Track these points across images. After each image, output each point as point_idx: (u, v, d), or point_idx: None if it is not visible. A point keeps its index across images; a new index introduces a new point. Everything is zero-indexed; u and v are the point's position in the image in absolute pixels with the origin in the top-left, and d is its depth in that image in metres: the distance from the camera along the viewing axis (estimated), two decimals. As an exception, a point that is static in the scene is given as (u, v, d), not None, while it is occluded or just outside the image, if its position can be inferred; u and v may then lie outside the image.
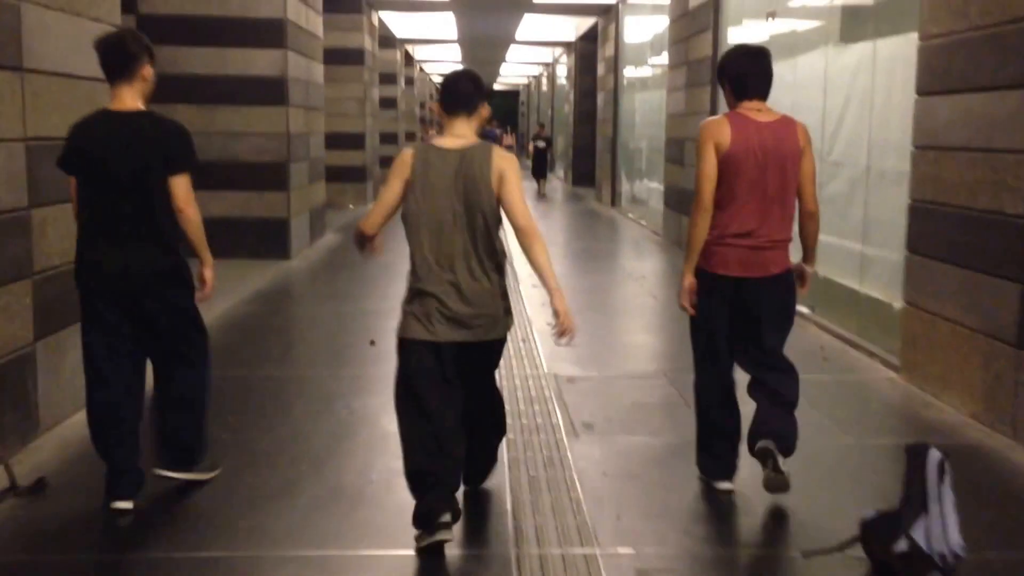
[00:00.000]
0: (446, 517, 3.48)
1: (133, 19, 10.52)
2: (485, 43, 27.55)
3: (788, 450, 3.97)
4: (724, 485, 4.15)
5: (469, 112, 3.71)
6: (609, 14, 19.00)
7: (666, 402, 5.57)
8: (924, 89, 5.90)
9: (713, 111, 11.18)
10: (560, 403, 5.49)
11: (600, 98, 20.66)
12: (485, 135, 13.18)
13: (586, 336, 7.41)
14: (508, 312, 3.79)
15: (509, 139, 25.13)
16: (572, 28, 25.03)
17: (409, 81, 31.22)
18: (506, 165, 3.61)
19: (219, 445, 4.58)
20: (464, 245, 3.59)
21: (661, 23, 14.74)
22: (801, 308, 8.17)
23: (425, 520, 3.50)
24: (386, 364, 6.43)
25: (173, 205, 3.86)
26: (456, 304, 3.58)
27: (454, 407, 3.67)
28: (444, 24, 23.84)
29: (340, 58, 17.72)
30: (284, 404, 5.49)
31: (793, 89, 8.64)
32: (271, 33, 10.66)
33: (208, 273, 4.13)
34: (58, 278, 4.92)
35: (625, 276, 10.88)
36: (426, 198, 3.58)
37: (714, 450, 4.20)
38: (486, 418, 3.94)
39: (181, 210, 3.91)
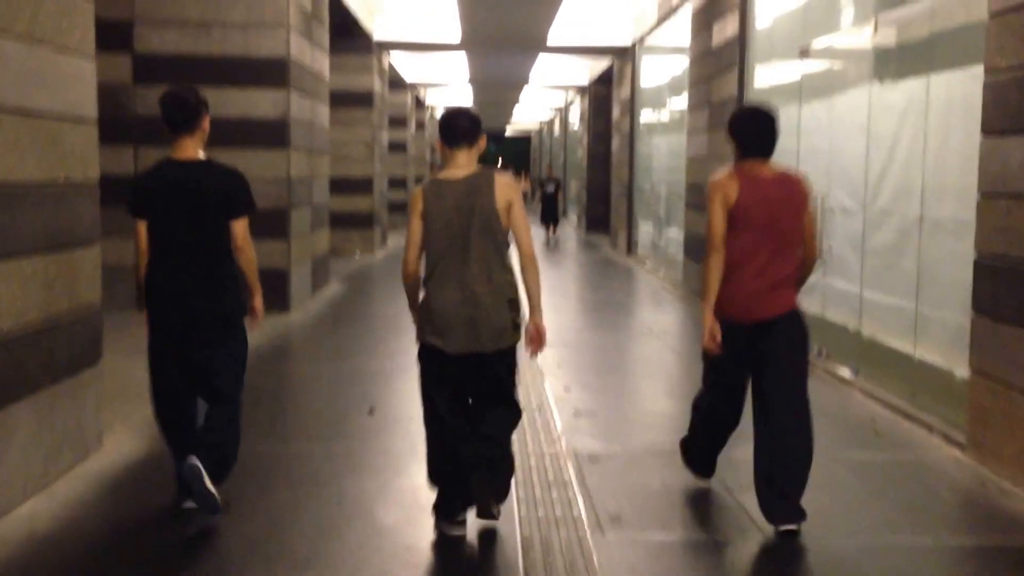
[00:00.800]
0: (462, 517, 4.05)
1: (128, 58, 10.02)
2: (497, 86, 27.16)
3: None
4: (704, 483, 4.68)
5: (470, 144, 4.06)
6: (625, 55, 18.51)
7: (700, 486, 4.84)
8: (992, 128, 5.23)
9: (739, 155, 10.55)
10: (582, 489, 4.77)
11: (615, 141, 20.11)
12: None
13: (606, 403, 6.75)
14: (516, 327, 4.11)
15: (525, 184, 23.86)
16: (586, 71, 24.63)
17: (419, 125, 30.83)
18: (511, 192, 4.01)
19: (184, 542, 4.08)
20: (475, 264, 3.93)
21: (680, 63, 14.19)
22: (843, 371, 7.46)
23: (446, 512, 4.05)
24: (386, 437, 5.76)
25: (233, 244, 4.27)
26: (466, 318, 3.94)
27: (462, 410, 4.07)
28: (455, 67, 23.46)
29: (348, 100, 17.24)
30: (267, 487, 4.78)
31: (830, 131, 8.00)
32: (273, 73, 10.11)
33: (258, 302, 4.56)
34: (7, 345, 4.27)
35: (644, 332, 10.18)
36: (440, 225, 3.95)
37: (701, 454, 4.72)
38: (497, 412, 4.11)
39: (241, 249, 4.32)
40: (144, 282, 4.29)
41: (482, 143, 4.11)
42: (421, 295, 4.13)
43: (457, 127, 4.04)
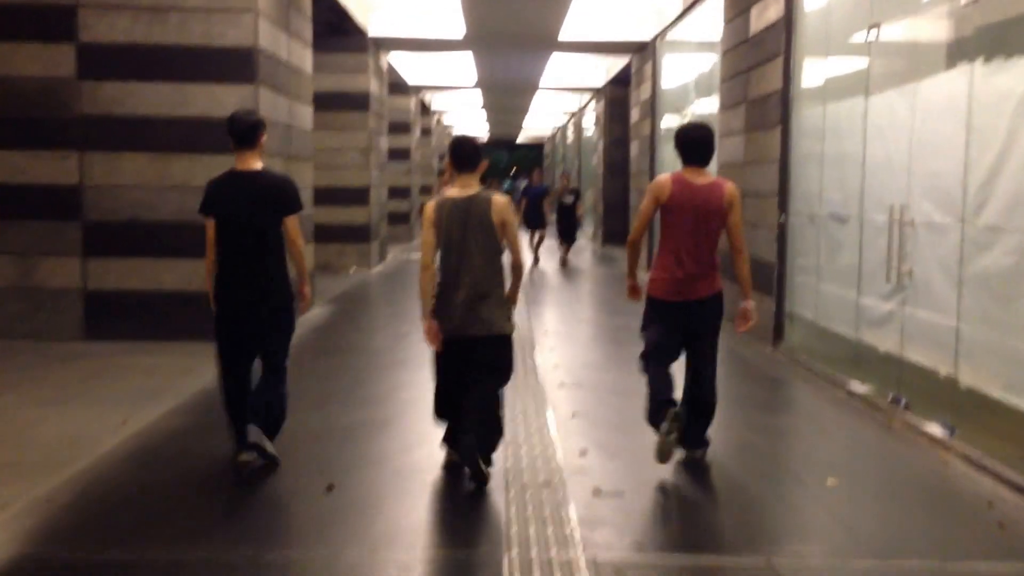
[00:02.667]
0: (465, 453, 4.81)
1: (72, 49, 8.60)
2: (507, 90, 25.69)
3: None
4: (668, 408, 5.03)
5: (473, 169, 4.96)
6: (644, 52, 17.01)
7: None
8: None
9: (785, 157, 9.05)
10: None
11: (634, 147, 18.60)
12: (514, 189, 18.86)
13: (634, 477, 5.11)
14: (509, 319, 4.99)
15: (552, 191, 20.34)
16: (601, 71, 23.14)
17: (425, 131, 29.39)
18: (504, 211, 4.87)
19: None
20: (474, 268, 4.85)
21: (709, 57, 12.68)
22: (932, 427, 5.94)
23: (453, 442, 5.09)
24: (340, 530, 4.00)
25: (287, 238, 5.08)
26: (468, 309, 4.86)
27: (462, 380, 4.98)
28: (462, 70, 22.01)
29: (341, 103, 15.83)
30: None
31: (911, 128, 6.48)
32: (239, 65, 8.67)
33: (306, 289, 5.35)
34: None
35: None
36: (446, 236, 4.85)
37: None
38: (488, 414, 4.94)
39: (293, 241, 5.14)
40: (215, 270, 5.12)
41: (483, 167, 4.96)
42: (436, 294, 4.94)
43: (464, 155, 4.93)
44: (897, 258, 6.65)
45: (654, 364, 5.22)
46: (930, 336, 6.23)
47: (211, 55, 8.62)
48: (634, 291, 5.47)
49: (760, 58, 9.65)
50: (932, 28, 6.45)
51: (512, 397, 6.79)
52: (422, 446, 5.62)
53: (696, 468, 5.37)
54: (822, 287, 8.25)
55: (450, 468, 5.17)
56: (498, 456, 5.23)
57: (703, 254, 5.09)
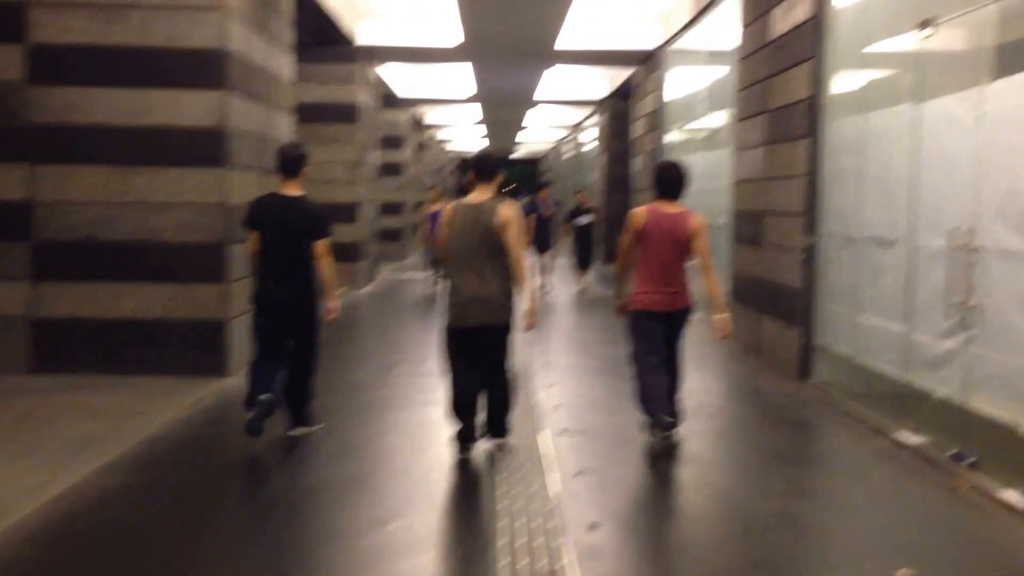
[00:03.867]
0: (471, 443, 5.76)
1: (19, 50, 7.70)
2: (502, 104, 24.83)
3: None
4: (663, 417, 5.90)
5: (489, 180, 5.71)
6: (649, 63, 16.15)
7: None
8: None
9: (814, 172, 8.15)
10: None
11: (638, 162, 17.71)
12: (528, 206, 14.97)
13: (659, 562, 4.27)
14: (511, 310, 5.60)
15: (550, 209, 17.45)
16: (602, 83, 22.30)
17: (419, 146, 28.53)
18: (508, 215, 5.50)
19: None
20: (481, 265, 5.50)
21: (722, 65, 11.82)
22: (1007, 493, 5.00)
23: (463, 439, 5.76)
24: None
25: (315, 255, 5.86)
26: (475, 302, 5.51)
27: (472, 370, 5.67)
28: (457, 83, 21.16)
29: (328, 115, 14.97)
30: None
31: (976, 138, 5.58)
32: (205, 68, 7.76)
33: (332, 303, 6.06)
34: None
35: (691, 406, 7.70)
36: (458, 236, 5.56)
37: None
38: (496, 391, 5.76)
39: (321, 257, 5.89)
40: (256, 276, 5.98)
41: (499, 179, 5.74)
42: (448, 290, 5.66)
43: (482, 167, 5.69)
44: (960, 289, 5.74)
45: (645, 372, 6.03)
46: (1004, 383, 5.31)
47: (176, 58, 7.71)
48: (622, 311, 6.27)
49: (784, 63, 8.77)
50: (1001, 22, 5.55)
51: (507, 447, 5.87)
52: (401, 516, 4.69)
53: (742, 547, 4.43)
54: (860, 319, 7.33)
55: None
56: (491, 533, 4.35)
57: (674, 273, 5.97)
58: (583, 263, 16.24)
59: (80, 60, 7.71)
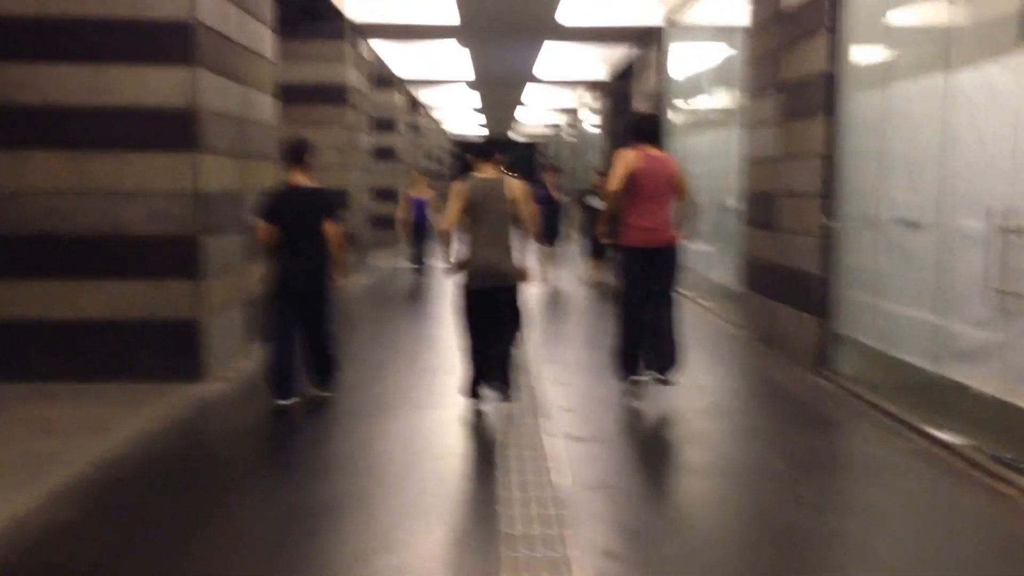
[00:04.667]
0: (483, 395, 6.50)
1: (-30, 25, 7.05)
2: (500, 84, 24.15)
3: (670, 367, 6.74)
4: (641, 377, 6.71)
5: (487, 159, 6.39)
6: (650, 40, 15.49)
7: None
8: None
9: (832, 150, 7.55)
10: None
11: (638, 143, 17.04)
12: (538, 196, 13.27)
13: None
14: (521, 272, 6.36)
15: (557, 193, 15.10)
16: (603, 63, 21.63)
17: (414, 128, 27.85)
18: (516, 190, 6.27)
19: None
20: (502, 233, 6.21)
21: (730, 39, 11.19)
22: (989, 455, 4.43)
23: (474, 392, 6.50)
24: None
25: (327, 235, 6.39)
26: (496, 267, 6.20)
27: (487, 327, 6.31)
28: (453, 62, 20.49)
29: (315, 96, 14.33)
30: None
31: (1019, 108, 4.97)
32: (172, 42, 7.13)
33: (337, 276, 6.59)
34: None
35: (703, 400, 7.11)
36: (480, 207, 6.18)
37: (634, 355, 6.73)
38: (509, 328, 6.38)
39: (330, 234, 6.42)
40: (276, 259, 6.42)
41: (498, 158, 6.42)
42: (459, 252, 6.34)
43: (485, 149, 6.41)
44: (999, 275, 5.15)
45: (631, 310, 6.68)
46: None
47: (140, 30, 7.07)
48: (612, 240, 7.08)
49: (797, 34, 8.14)
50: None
51: (511, 456, 5.30)
52: (390, 549, 4.11)
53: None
54: (885, 306, 6.74)
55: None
56: (495, 559, 3.77)
57: (665, 210, 6.56)
58: (596, 251, 14.11)
59: (32, 33, 7.05)
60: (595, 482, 5.02)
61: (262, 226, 6.39)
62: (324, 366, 6.78)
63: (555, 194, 14.52)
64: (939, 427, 5.77)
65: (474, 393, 6.54)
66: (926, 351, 6.10)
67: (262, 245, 6.49)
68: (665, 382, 6.75)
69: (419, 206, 14.90)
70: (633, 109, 7.22)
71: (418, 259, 15.07)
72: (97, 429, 5.89)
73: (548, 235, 14.03)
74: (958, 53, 5.65)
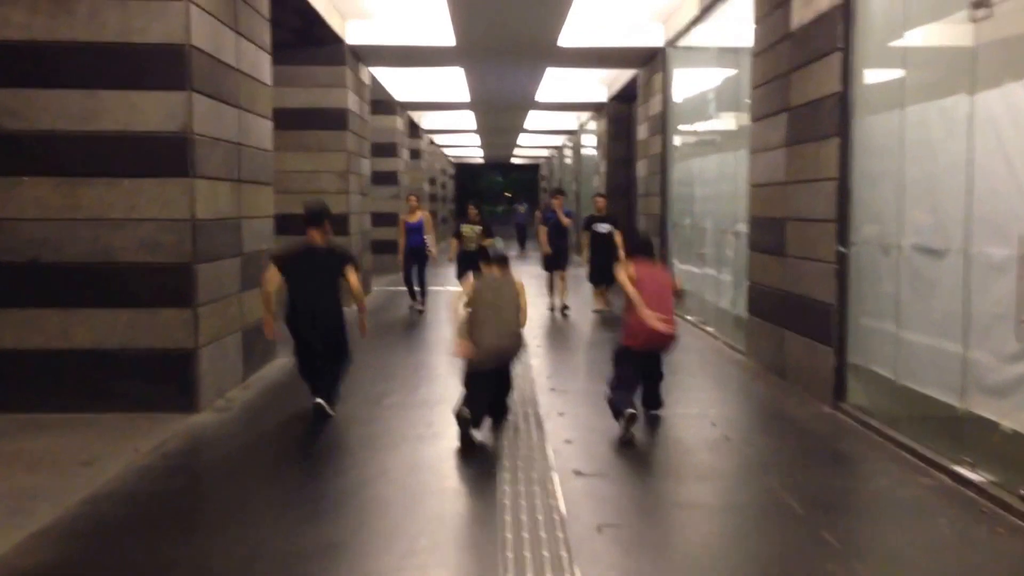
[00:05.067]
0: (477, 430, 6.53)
1: (-41, 49, 6.87)
2: (501, 108, 24.02)
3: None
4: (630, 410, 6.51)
5: (501, 266, 7.00)
6: (653, 63, 15.34)
7: None
8: None
9: (845, 174, 7.34)
10: None
11: (642, 167, 16.89)
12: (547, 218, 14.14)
13: None
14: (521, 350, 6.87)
15: (565, 219, 14.22)
16: (603, 86, 21.52)
17: (415, 153, 27.73)
18: (521, 289, 6.89)
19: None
20: (504, 322, 6.78)
21: (734, 61, 11.02)
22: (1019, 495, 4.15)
23: (467, 424, 6.40)
24: None
25: (350, 282, 7.10)
26: (500, 346, 6.63)
27: (489, 393, 6.74)
28: (454, 86, 20.36)
29: (316, 120, 14.16)
30: None
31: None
32: (165, 66, 6.94)
33: (363, 321, 7.47)
34: None
35: (709, 428, 6.86)
36: (485, 302, 6.80)
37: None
38: (501, 398, 6.99)
39: (353, 283, 7.10)
40: (288, 306, 7.05)
41: (505, 266, 6.97)
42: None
43: (497, 259, 6.96)
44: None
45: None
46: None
47: (131, 54, 6.89)
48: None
49: (807, 56, 7.95)
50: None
51: (514, 492, 5.04)
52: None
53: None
54: (904, 336, 6.50)
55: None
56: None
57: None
58: (602, 279, 13.44)
59: (20, 58, 6.88)
60: (602, 522, 4.77)
61: (273, 272, 6.94)
62: (331, 390, 7.24)
63: (562, 219, 14.07)
64: (964, 464, 5.51)
65: (473, 423, 6.45)
66: (949, 384, 5.85)
67: (268, 297, 7.07)
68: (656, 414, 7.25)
69: (411, 231, 13.97)
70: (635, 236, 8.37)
71: (412, 288, 14.05)
72: (85, 463, 5.65)
73: (556, 260, 13.98)
74: (984, 74, 5.43)
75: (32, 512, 4.79)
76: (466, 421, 6.35)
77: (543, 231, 14.12)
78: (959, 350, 5.68)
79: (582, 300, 14.95)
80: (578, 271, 16.88)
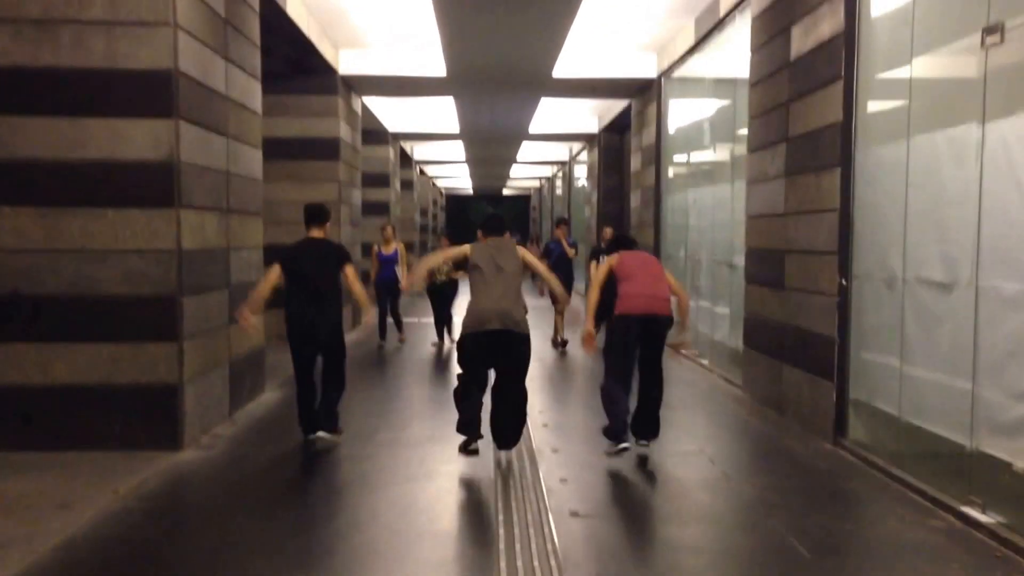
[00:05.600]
0: (475, 446, 6.47)
1: (-60, 75, 6.69)
2: (492, 139, 23.95)
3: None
4: (623, 444, 6.61)
5: (500, 233, 6.81)
6: (647, 93, 15.26)
7: None
8: None
9: (845, 204, 7.20)
10: None
11: (635, 198, 16.77)
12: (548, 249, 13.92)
13: None
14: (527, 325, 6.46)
15: (570, 250, 14.02)
16: (594, 117, 21.48)
17: (407, 184, 27.61)
18: (523, 251, 6.67)
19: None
20: (503, 288, 6.43)
21: (728, 93, 10.92)
22: None
23: (467, 445, 6.45)
24: None
25: (346, 282, 7.27)
26: (502, 313, 6.30)
27: (485, 381, 6.58)
28: (445, 117, 20.30)
29: (307, 150, 14.03)
30: None
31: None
32: (151, 93, 6.77)
33: (365, 317, 7.75)
34: None
35: (706, 462, 6.66)
36: (483, 267, 6.52)
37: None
38: (512, 409, 6.50)
39: (352, 282, 7.28)
40: (287, 306, 7.12)
41: (507, 237, 6.86)
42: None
43: (493, 226, 6.82)
44: None
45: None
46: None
47: (116, 81, 6.72)
48: (590, 339, 7.08)
49: (808, 85, 7.84)
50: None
51: (509, 536, 4.82)
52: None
53: None
54: (910, 372, 6.32)
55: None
56: None
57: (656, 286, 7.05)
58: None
59: (2, 85, 6.70)
60: (600, 570, 4.55)
61: (275, 272, 7.03)
62: (329, 410, 7.27)
63: (567, 250, 13.65)
64: (973, 505, 5.33)
65: (467, 442, 6.52)
66: (957, 422, 5.66)
67: (261, 292, 7.08)
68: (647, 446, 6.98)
69: (385, 262, 13.20)
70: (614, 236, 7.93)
71: (383, 324, 13.23)
72: (61, 506, 5.41)
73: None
74: (995, 101, 5.30)
75: (3, 560, 4.55)
76: (466, 451, 6.48)
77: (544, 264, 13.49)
78: (968, 387, 5.50)
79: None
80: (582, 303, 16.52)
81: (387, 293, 13.17)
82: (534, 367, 11.36)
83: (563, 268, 13.24)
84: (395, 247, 13.21)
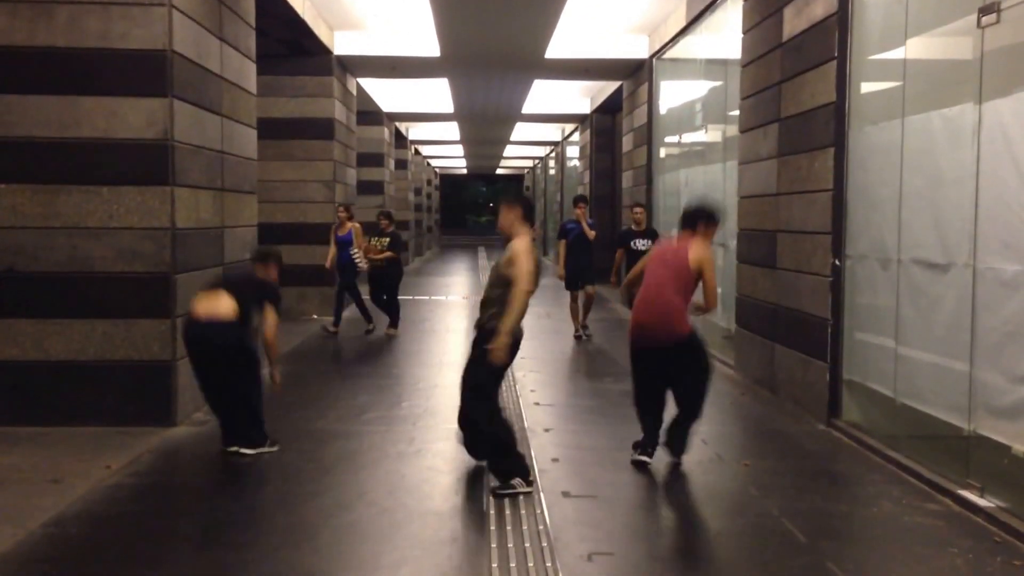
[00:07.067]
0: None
1: (-68, 53, 6.66)
2: (486, 119, 23.91)
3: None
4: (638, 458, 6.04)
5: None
6: (639, 74, 15.25)
7: None
8: None
9: (841, 186, 7.22)
10: None
11: (627, 178, 16.78)
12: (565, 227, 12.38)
13: None
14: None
15: (591, 231, 12.02)
16: (586, 99, 21.46)
17: (401, 164, 27.57)
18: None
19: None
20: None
21: (721, 73, 10.92)
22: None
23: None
24: None
25: (266, 319, 6.22)
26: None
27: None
28: (440, 97, 20.25)
29: (302, 130, 14.00)
30: None
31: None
32: (146, 72, 6.76)
33: (275, 373, 6.42)
34: None
35: (711, 454, 6.71)
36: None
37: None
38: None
39: (268, 321, 6.20)
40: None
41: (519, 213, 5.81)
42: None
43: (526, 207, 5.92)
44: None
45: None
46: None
47: (111, 60, 6.71)
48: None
49: (800, 66, 7.84)
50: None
51: (501, 516, 4.86)
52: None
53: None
54: (905, 353, 6.36)
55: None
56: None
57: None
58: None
59: None
60: (593, 550, 4.59)
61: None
62: (240, 420, 6.30)
63: (587, 231, 11.98)
64: (971, 489, 5.36)
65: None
66: (954, 404, 5.70)
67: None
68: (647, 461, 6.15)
69: (341, 243, 12.48)
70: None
71: (340, 305, 12.70)
72: (53, 481, 5.45)
73: (581, 277, 12.18)
74: (992, 81, 5.31)
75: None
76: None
77: (561, 246, 12.15)
78: (965, 369, 5.53)
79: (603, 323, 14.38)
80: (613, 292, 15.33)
81: (344, 275, 12.57)
82: (524, 346, 11.38)
83: (583, 253, 12.09)
84: (349, 227, 12.49)
